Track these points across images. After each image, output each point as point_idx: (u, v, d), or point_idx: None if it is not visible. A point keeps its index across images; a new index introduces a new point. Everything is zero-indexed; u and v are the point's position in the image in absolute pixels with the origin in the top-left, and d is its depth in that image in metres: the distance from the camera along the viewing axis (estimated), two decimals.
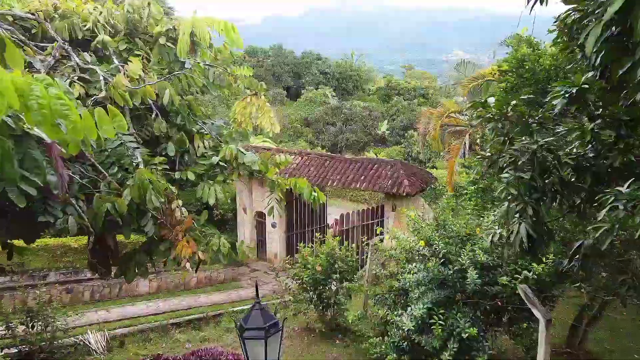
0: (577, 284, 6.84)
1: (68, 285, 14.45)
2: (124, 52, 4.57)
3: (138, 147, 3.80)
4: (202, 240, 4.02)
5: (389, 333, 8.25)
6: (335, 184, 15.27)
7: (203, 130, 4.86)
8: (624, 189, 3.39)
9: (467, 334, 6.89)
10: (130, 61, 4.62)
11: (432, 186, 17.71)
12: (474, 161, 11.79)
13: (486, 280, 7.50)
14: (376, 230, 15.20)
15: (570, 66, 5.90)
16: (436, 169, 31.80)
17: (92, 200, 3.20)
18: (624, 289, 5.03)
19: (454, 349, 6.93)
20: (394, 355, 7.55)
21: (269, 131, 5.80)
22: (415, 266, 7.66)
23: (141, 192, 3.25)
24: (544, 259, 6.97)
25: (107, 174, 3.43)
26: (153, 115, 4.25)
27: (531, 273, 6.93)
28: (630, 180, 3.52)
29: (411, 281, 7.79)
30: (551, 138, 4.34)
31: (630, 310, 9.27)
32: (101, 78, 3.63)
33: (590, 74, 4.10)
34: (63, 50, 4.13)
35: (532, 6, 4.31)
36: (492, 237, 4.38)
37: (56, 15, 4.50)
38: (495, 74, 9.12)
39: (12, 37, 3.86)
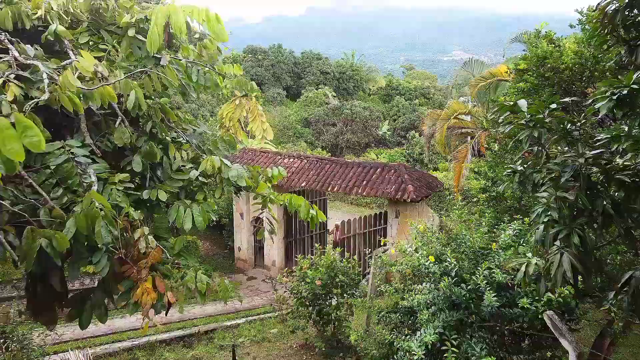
0: (606, 308, 6.09)
1: None
2: (85, 45, 3.83)
3: (94, 163, 3.07)
4: (173, 275, 3.29)
5: (395, 356, 7.51)
6: (336, 189, 14.53)
7: (181, 139, 4.12)
8: None
9: None
10: (93, 56, 3.87)
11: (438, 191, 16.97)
12: (483, 166, 11.05)
13: (504, 302, 6.77)
14: (379, 240, 14.48)
15: (603, 64, 5.10)
16: (438, 170, 31.05)
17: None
18: None
19: None
20: None
21: (260, 138, 5.06)
22: (425, 286, 6.91)
23: (89, 222, 2.53)
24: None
25: (49, 198, 2.70)
26: (117, 122, 3.51)
27: (556, 295, 6.19)
28: None
29: (420, 301, 7.05)
30: (597, 150, 3.59)
31: None
32: (45, 76, 2.90)
33: None
34: None
35: None
36: (526, 267, 3.63)
37: None
38: (509, 73, 8.37)
39: None
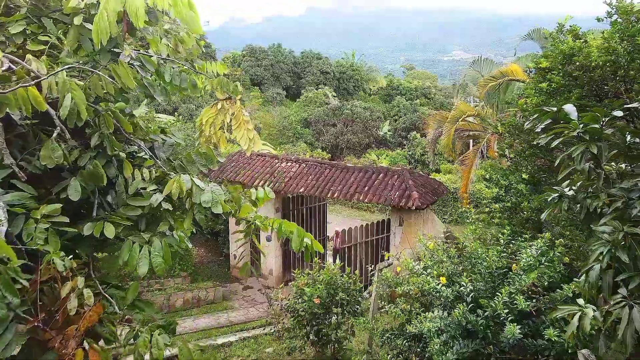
0: None
1: None
2: (19, 36, 3.04)
3: (12, 190, 2.29)
4: (117, 341, 2.50)
5: None
6: (336, 195, 13.72)
7: (143, 154, 3.32)
8: None
9: None
10: (31, 50, 3.09)
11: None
12: (495, 172, 10.24)
13: (526, 331, 5.97)
14: (382, 253, 13.68)
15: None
16: (440, 173, 30.20)
17: None
18: None
19: None
20: None
21: (247, 148, 4.26)
22: (437, 315, 6.12)
23: None
24: None
25: None
26: (54, 135, 2.71)
27: None
28: None
29: (430, 329, 6.25)
30: None
31: None
32: None
33: None
34: None
35: None
36: (580, 320, 2.83)
37: None
38: (528, 72, 7.56)
39: None
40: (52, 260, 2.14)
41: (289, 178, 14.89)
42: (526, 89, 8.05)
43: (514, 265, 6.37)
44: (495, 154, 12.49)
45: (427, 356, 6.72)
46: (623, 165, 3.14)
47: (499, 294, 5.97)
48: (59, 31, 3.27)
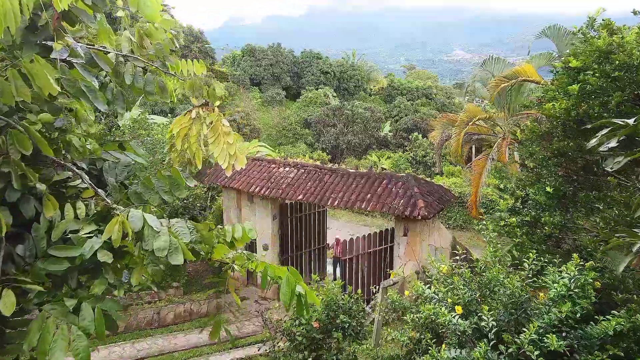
0: None
1: None
2: None
3: None
4: None
5: None
6: (336, 203, 12.89)
7: (78, 182, 2.49)
8: None
9: None
10: None
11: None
12: (509, 181, 9.41)
13: None
14: (387, 269, 12.86)
15: None
16: (442, 175, 29.30)
17: None
18: None
19: None
20: None
21: (227, 167, 3.44)
22: (453, 356, 5.28)
23: None
24: None
25: None
26: None
27: None
28: None
29: None
30: None
31: None
32: None
33: None
34: None
35: None
36: None
37: None
38: (555, 72, 6.71)
39: None
40: None
41: (287, 184, 14.06)
42: (547, 91, 7.21)
43: (541, 294, 5.54)
44: (506, 159, 11.66)
45: None
46: None
47: (526, 330, 5.14)
48: None
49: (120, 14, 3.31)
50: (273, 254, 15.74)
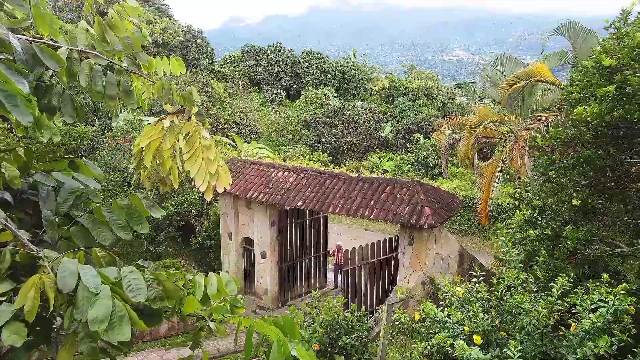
0: None
1: None
2: None
3: None
4: None
5: None
6: (338, 210, 12.23)
7: None
8: None
9: None
10: None
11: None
12: (525, 190, 8.75)
13: None
14: (392, 284, 12.20)
15: None
16: (443, 177, 28.56)
17: None
18: None
19: None
20: None
21: (206, 189, 2.79)
22: None
23: None
24: None
25: None
26: None
27: None
28: None
29: None
30: None
31: None
32: None
33: None
34: None
35: None
36: None
37: None
38: (584, 71, 6.03)
39: None
40: None
41: (286, 190, 13.40)
42: (570, 92, 6.54)
43: (573, 325, 4.88)
44: (518, 164, 10.99)
45: None
46: None
47: None
48: None
49: None
50: (272, 262, 15.09)
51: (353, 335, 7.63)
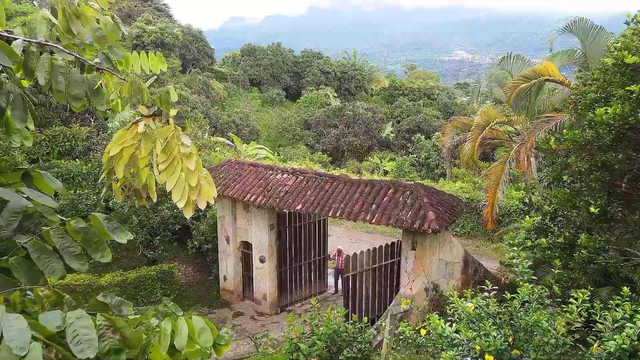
0: None
1: None
2: None
3: None
4: None
5: None
6: (338, 214, 11.83)
7: None
8: None
9: None
10: None
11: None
12: (534, 194, 8.36)
13: None
14: (396, 293, 11.79)
15: None
16: (445, 178, 28.14)
17: None
18: None
19: None
20: None
21: (185, 206, 2.39)
22: None
23: None
24: None
25: None
26: None
27: None
28: None
29: None
30: None
31: None
32: None
33: None
34: None
35: None
36: None
37: None
38: (608, 72, 5.62)
39: None
40: None
41: (285, 193, 13.01)
42: (585, 92, 6.14)
43: (595, 346, 4.48)
44: (523, 166, 10.59)
45: None
46: None
47: None
48: None
49: None
50: (270, 267, 14.69)
51: (354, 348, 7.24)
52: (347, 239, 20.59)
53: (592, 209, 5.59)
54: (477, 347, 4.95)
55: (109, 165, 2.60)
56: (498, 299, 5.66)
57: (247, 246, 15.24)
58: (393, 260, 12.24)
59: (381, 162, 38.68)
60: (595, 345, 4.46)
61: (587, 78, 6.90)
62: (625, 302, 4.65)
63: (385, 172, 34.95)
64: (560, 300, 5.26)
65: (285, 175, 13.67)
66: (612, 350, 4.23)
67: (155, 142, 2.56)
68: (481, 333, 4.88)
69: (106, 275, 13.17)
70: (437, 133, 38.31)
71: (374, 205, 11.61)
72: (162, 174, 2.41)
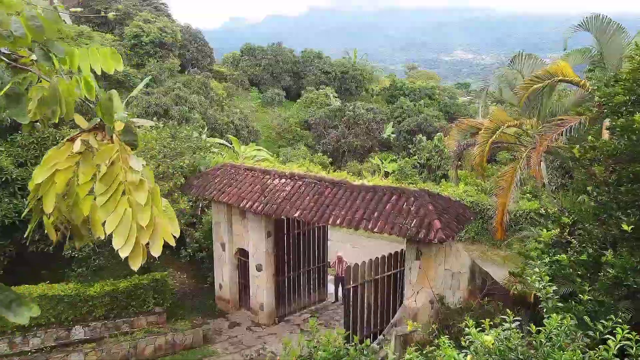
0: None
1: None
2: None
3: None
4: None
5: None
6: (338, 222, 11.22)
7: None
8: None
9: None
10: None
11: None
12: (551, 204, 7.74)
13: None
14: (399, 305, 11.15)
15: None
16: (447, 180, 27.47)
17: None
18: None
19: None
20: None
21: (133, 257, 1.76)
22: None
23: None
24: None
25: None
26: None
27: None
28: None
29: None
30: None
31: None
32: None
33: None
34: None
35: None
36: None
37: None
38: (635, 71, 5.00)
39: None
40: None
41: (283, 199, 12.38)
42: (613, 94, 5.51)
43: None
44: (536, 172, 9.98)
45: None
46: None
47: None
48: None
49: None
50: (267, 275, 14.08)
51: None
52: (348, 245, 19.96)
53: (624, 226, 4.97)
54: None
55: (34, 197, 1.97)
56: (518, 325, 5.04)
57: (243, 253, 14.62)
58: (396, 270, 11.63)
59: (382, 163, 38.06)
60: None
61: (610, 78, 6.27)
62: None
63: (387, 174, 34.33)
64: (592, 335, 4.63)
65: (282, 180, 13.04)
66: None
67: (90, 169, 1.93)
68: None
69: (95, 285, 12.55)
70: (438, 134, 37.69)
71: (376, 213, 10.99)
72: (100, 210, 1.78)
